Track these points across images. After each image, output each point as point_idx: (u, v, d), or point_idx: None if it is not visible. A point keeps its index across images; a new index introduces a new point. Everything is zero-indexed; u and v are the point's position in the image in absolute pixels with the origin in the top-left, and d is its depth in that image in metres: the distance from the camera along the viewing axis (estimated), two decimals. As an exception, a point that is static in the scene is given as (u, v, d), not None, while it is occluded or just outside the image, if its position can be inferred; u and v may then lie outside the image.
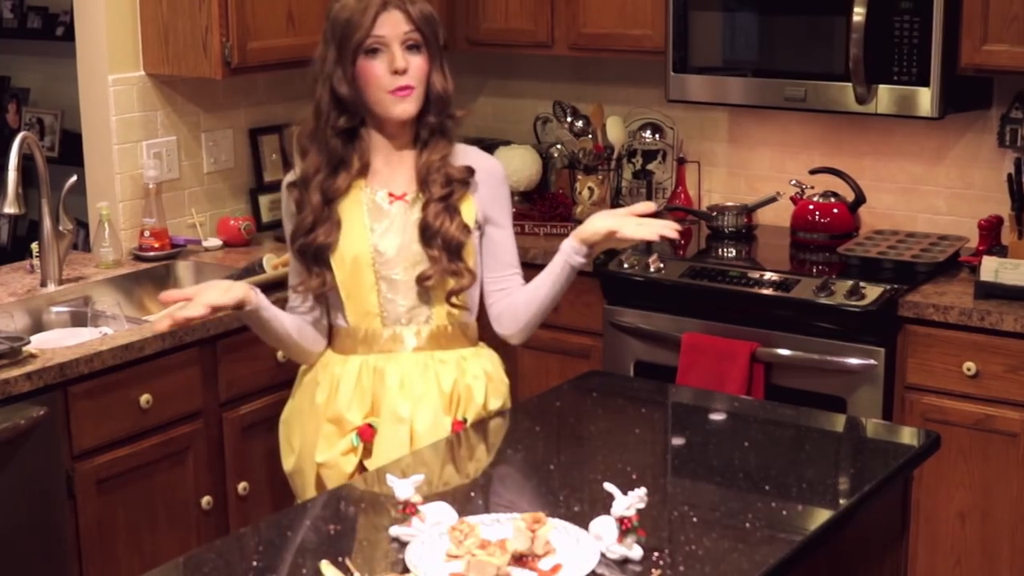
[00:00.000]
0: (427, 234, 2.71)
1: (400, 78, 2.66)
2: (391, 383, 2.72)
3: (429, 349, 2.76)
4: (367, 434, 2.72)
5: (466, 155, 2.80)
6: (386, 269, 2.73)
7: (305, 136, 2.76)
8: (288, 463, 2.85)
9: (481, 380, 2.78)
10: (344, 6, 2.69)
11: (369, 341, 2.76)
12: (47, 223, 3.58)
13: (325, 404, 2.76)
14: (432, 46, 2.71)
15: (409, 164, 2.76)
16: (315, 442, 2.76)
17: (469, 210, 2.75)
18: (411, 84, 2.68)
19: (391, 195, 2.75)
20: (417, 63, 2.68)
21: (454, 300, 2.75)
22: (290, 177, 2.80)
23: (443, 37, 2.77)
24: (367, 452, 2.73)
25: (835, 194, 4.03)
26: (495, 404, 2.80)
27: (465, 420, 2.73)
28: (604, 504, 2.12)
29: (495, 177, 2.82)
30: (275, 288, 3.54)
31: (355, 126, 2.73)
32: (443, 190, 2.72)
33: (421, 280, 2.72)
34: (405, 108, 2.69)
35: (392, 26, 2.66)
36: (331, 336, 2.83)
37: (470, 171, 2.75)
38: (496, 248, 2.82)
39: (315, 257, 2.73)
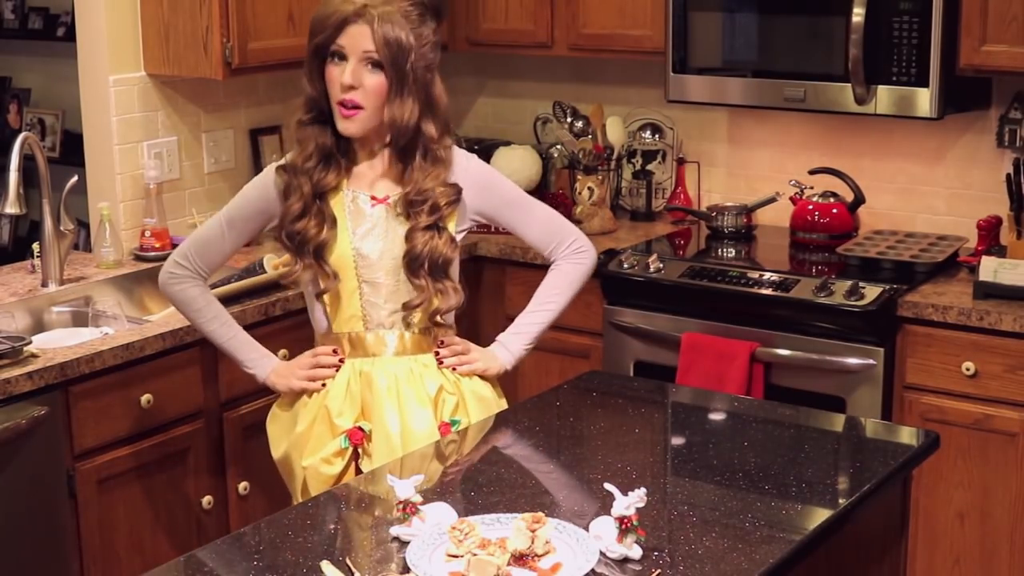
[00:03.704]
0: (414, 264, 2.68)
1: (346, 93, 2.62)
2: (379, 388, 2.72)
3: (411, 353, 2.75)
4: (356, 437, 2.72)
5: (452, 165, 2.74)
6: (368, 273, 2.72)
7: (299, 126, 2.75)
8: (276, 454, 2.85)
9: (466, 380, 2.78)
10: (326, 3, 2.67)
11: (354, 344, 2.75)
12: (48, 223, 3.59)
13: (315, 410, 2.76)
14: (391, 72, 2.61)
15: (391, 167, 2.73)
16: (303, 447, 2.76)
17: (452, 221, 2.73)
18: (356, 102, 2.62)
19: (373, 198, 2.73)
20: (370, 83, 2.62)
21: (438, 319, 2.74)
22: (280, 160, 2.77)
23: (423, 63, 2.63)
24: (356, 455, 2.74)
25: (834, 194, 4.03)
26: (484, 401, 2.79)
27: (453, 422, 2.73)
28: (604, 504, 2.12)
29: (477, 175, 2.78)
30: (275, 288, 3.55)
31: (325, 122, 2.69)
32: (429, 218, 2.68)
33: (408, 308, 2.70)
34: (346, 127, 2.65)
35: (354, 39, 2.61)
36: (314, 339, 2.83)
37: (457, 190, 2.71)
38: (526, 227, 2.84)
39: (315, 252, 2.69)
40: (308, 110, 2.71)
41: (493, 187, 2.81)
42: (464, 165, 2.77)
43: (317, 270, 2.71)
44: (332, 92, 2.65)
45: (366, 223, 2.72)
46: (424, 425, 2.71)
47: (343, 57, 2.63)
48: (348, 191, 2.73)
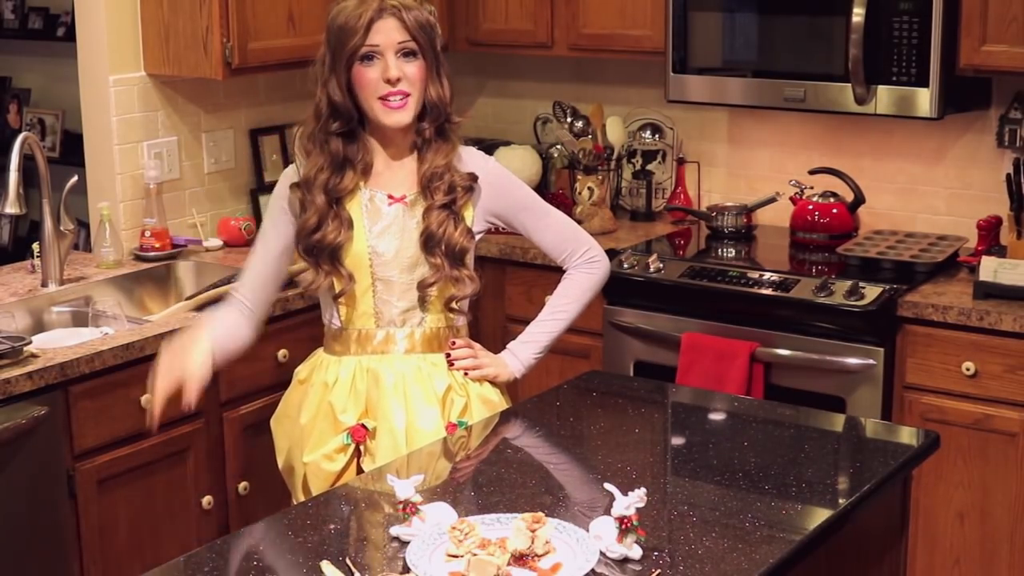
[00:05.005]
0: (430, 242, 2.71)
1: (392, 86, 2.66)
2: (386, 385, 2.73)
3: (421, 352, 2.76)
4: (359, 434, 2.72)
5: (466, 159, 2.78)
6: (383, 271, 2.73)
7: (307, 137, 2.76)
8: (280, 461, 2.86)
9: (474, 383, 2.79)
10: (341, 10, 2.68)
11: (362, 342, 2.76)
12: (48, 223, 3.59)
13: (318, 405, 2.76)
14: (428, 54, 2.69)
15: (410, 167, 2.75)
16: (305, 443, 2.76)
17: (469, 217, 2.76)
18: (404, 91, 2.67)
19: (390, 197, 2.74)
20: (412, 71, 2.67)
21: (453, 306, 2.76)
22: (293, 176, 2.78)
23: (441, 43, 2.74)
24: (358, 452, 2.74)
25: (834, 194, 4.03)
26: (490, 404, 2.80)
27: (460, 423, 2.73)
28: (604, 504, 2.12)
29: (495, 177, 2.81)
30: (275, 288, 3.55)
31: (353, 129, 2.72)
32: (446, 197, 2.71)
33: (423, 287, 2.72)
34: (398, 119, 2.68)
35: (386, 34, 2.65)
36: (323, 336, 2.84)
37: (473, 177, 2.75)
38: (541, 233, 2.85)
39: (330, 257, 2.71)
40: (333, 120, 2.71)
41: (510, 190, 2.84)
42: (482, 166, 2.79)
43: (334, 275, 2.71)
44: (370, 92, 2.67)
45: (382, 221, 2.73)
46: (431, 424, 2.71)
47: (372, 57, 2.65)
48: (365, 191, 2.74)
